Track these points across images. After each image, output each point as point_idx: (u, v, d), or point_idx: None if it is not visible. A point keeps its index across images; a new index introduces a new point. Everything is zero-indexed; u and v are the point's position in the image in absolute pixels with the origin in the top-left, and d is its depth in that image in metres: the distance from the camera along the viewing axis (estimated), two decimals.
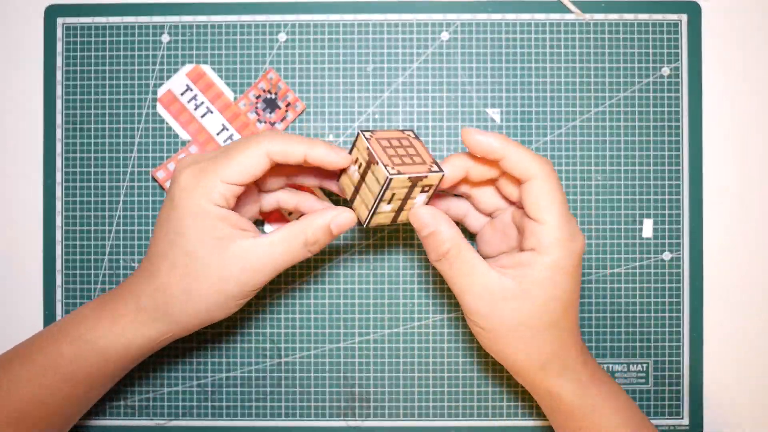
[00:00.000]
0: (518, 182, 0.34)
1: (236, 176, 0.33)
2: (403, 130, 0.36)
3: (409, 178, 0.33)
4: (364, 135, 0.34)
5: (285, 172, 0.38)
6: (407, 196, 0.34)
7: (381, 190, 0.32)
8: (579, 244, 0.33)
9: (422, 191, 0.34)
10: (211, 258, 0.33)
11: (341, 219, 0.35)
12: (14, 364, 0.36)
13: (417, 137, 0.35)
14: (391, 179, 0.32)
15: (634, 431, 0.35)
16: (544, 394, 0.36)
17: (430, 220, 0.33)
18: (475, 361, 0.43)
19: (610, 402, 0.35)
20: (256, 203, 0.38)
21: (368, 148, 0.33)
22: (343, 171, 0.36)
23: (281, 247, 0.34)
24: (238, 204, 0.37)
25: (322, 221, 0.34)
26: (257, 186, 0.38)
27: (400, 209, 0.35)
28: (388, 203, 0.34)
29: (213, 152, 0.35)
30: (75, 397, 0.36)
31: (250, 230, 0.35)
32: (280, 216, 0.42)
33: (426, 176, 0.33)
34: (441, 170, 0.34)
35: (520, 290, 0.33)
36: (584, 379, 0.35)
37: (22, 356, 0.36)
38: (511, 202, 0.37)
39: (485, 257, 0.37)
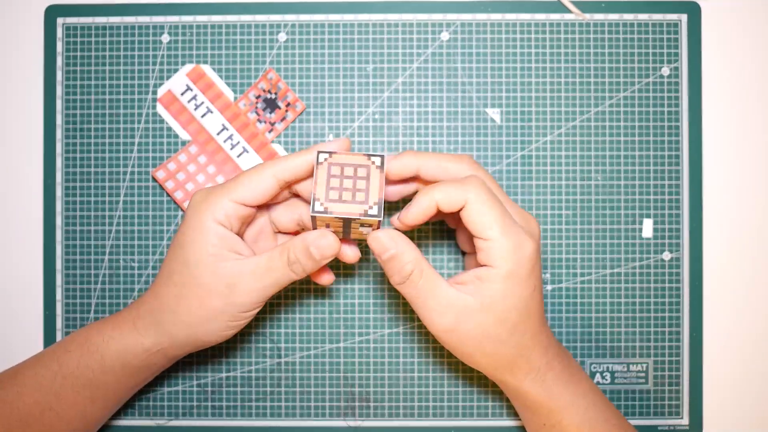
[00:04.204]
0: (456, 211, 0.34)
1: (243, 195, 0.34)
2: (369, 155, 0.33)
3: (337, 217, 0.31)
4: (319, 156, 0.32)
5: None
6: (358, 224, 0.33)
7: (312, 222, 0.32)
8: (527, 249, 0.33)
9: (363, 225, 0.33)
10: (202, 272, 0.34)
11: (322, 242, 0.34)
12: (29, 368, 0.37)
13: (381, 167, 0.33)
14: (313, 216, 0.31)
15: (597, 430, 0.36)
16: (512, 392, 0.38)
17: (391, 244, 0.33)
18: None
19: (576, 401, 0.36)
20: (270, 239, 0.39)
21: (314, 172, 0.32)
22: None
23: (265, 265, 0.34)
24: (249, 233, 0.38)
25: (301, 241, 0.34)
26: (273, 225, 0.39)
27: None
28: (360, 226, 0.33)
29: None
30: (80, 405, 0.36)
31: (246, 255, 0.35)
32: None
33: (358, 218, 0.32)
34: (378, 215, 0.32)
35: (480, 305, 0.34)
36: (548, 380, 0.36)
37: (37, 361, 0.37)
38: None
39: (466, 252, 0.40)
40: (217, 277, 0.34)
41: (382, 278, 0.43)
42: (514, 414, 0.43)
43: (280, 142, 0.43)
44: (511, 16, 0.43)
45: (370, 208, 0.32)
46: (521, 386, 0.36)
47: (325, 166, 0.32)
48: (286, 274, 0.35)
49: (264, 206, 0.37)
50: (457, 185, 0.33)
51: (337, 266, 0.43)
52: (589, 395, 0.37)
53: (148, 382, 0.39)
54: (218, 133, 0.43)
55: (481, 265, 0.34)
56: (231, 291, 0.34)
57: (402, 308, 0.43)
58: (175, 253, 0.35)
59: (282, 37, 0.44)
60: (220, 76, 0.43)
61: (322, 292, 0.43)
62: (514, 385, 0.36)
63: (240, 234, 0.36)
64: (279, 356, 0.43)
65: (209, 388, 0.43)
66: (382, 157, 0.32)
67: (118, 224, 0.43)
